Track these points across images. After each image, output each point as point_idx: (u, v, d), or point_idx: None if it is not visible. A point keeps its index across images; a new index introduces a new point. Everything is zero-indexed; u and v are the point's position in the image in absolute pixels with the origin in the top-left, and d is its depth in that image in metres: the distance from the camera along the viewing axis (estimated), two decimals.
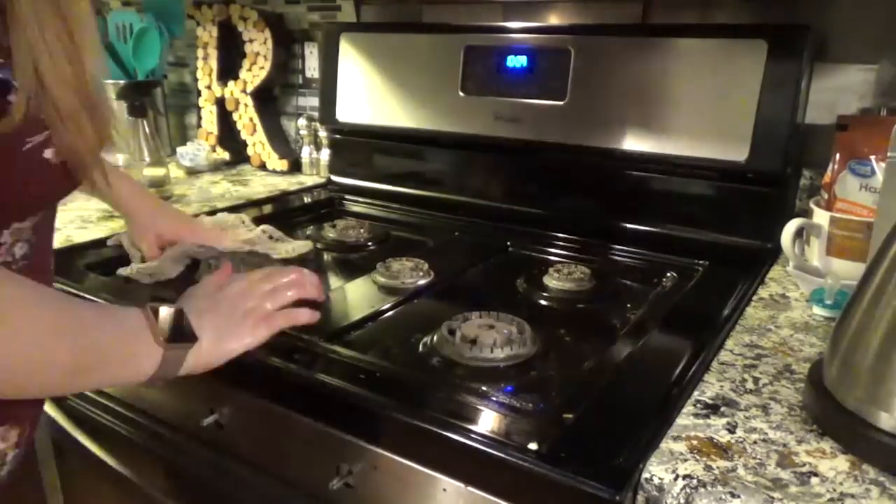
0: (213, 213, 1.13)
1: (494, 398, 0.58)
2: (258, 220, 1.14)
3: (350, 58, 1.22)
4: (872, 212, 0.75)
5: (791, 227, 0.77)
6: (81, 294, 0.78)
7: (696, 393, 0.56)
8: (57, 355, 0.45)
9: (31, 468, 0.96)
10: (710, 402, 0.55)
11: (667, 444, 0.49)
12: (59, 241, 0.93)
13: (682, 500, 0.45)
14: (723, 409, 0.54)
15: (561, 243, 1.01)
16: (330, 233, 1.04)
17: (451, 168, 1.17)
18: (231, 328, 0.58)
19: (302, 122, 1.38)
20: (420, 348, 0.68)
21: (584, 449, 0.50)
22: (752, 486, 0.45)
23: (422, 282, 0.84)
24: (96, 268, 0.86)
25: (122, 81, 1.40)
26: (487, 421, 0.53)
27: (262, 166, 1.44)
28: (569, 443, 0.50)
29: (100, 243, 0.94)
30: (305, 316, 0.64)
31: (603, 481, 0.45)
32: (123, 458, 0.77)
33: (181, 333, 0.53)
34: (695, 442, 0.49)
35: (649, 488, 0.46)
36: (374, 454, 0.57)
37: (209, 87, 1.45)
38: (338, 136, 1.31)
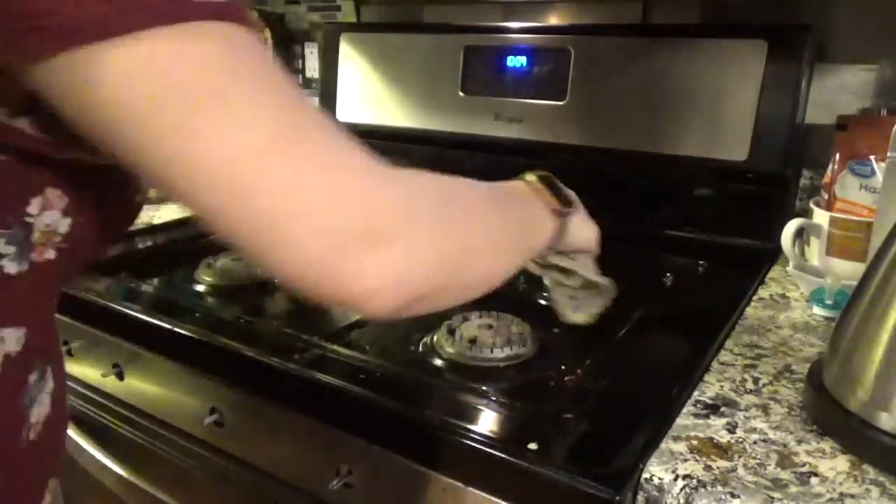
0: None
1: (494, 398, 0.58)
2: None
3: (350, 58, 1.22)
4: (872, 212, 0.75)
5: (791, 227, 0.77)
6: (83, 294, 0.78)
7: (696, 393, 0.56)
8: (491, 235, 0.44)
9: None
10: (710, 402, 0.55)
11: (667, 445, 0.49)
12: None
13: (682, 500, 0.45)
14: (723, 409, 0.54)
15: None
16: None
17: (452, 168, 1.16)
18: (586, 220, 0.63)
19: None
20: (420, 348, 0.68)
21: (584, 449, 0.50)
22: (752, 486, 0.45)
23: None
24: (96, 268, 0.85)
25: None
26: (487, 421, 0.53)
27: None
28: (569, 443, 0.50)
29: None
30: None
31: (603, 481, 0.45)
32: (123, 458, 0.77)
33: (567, 201, 0.56)
34: (695, 442, 0.49)
35: (649, 488, 0.46)
36: (374, 454, 0.57)
37: None
38: None
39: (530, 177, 0.53)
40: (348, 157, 0.33)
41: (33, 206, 0.34)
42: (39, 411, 0.40)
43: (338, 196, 0.31)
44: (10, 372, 0.36)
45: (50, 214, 0.35)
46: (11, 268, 0.35)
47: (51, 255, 0.36)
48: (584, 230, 0.61)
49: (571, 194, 0.59)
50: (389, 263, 0.32)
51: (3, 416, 0.37)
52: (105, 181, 0.36)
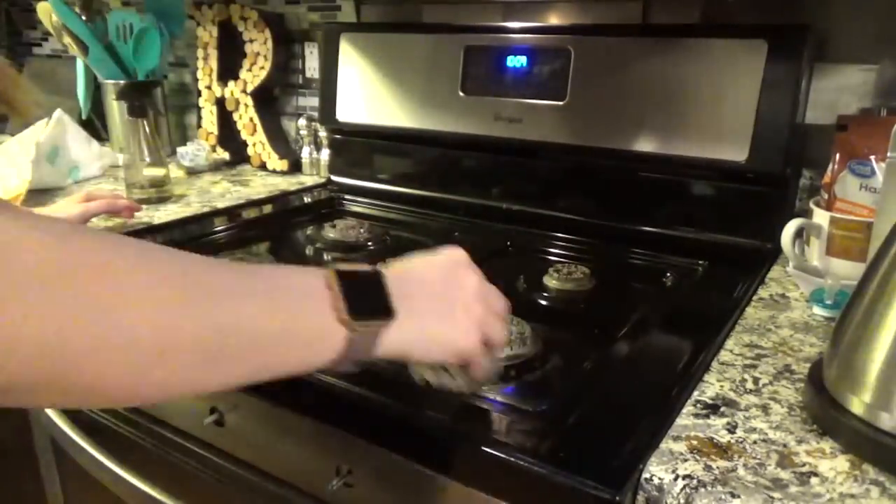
0: (213, 213, 1.13)
1: (494, 398, 0.58)
2: (258, 221, 1.14)
3: (350, 58, 1.22)
4: (872, 212, 0.75)
5: (791, 227, 0.77)
6: None
7: (696, 393, 0.57)
8: (190, 333, 0.33)
9: (31, 468, 0.96)
10: (710, 402, 0.55)
11: (667, 444, 0.49)
12: None
13: (682, 500, 0.45)
14: (723, 409, 0.54)
15: (561, 243, 1.01)
16: (330, 233, 1.04)
17: (451, 168, 1.17)
18: (443, 317, 0.45)
19: (302, 122, 1.38)
20: None
21: (584, 449, 0.50)
22: (752, 486, 0.45)
23: None
24: None
25: (122, 81, 1.40)
26: (487, 421, 0.53)
27: (263, 166, 1.44)
28: (569, 443, 0.50)
29: None
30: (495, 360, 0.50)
31: (603, 481, 0.45)
32: (123, 458, 0.77)
33: (373, 306, 0.41)
34: (695, 442, 0.49)
35: (649, 488, 0.46)
36: (374, 454, 0.57)
37: (209, 87, 1.45)
38: (338, 136, 1.31)
39: (330, 273, 0.40)
40: None
41: None
42: None
43: None
44: None
45: None
46: None
47: None
48: (425, 347, 0.44)
49: (390, 305, 0.42)
50: None
51: None
52: None
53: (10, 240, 0.29)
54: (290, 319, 0.38)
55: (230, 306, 0.35)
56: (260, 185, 1.32)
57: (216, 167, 1.46)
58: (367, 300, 0.41)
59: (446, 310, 0.46)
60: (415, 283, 0.45)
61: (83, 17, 1.39)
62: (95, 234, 0.34)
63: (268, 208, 1.20)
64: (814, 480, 0.46)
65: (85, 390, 0.31)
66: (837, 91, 0.92)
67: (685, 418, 0.53)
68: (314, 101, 1.40)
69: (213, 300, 0.35)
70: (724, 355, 0.63)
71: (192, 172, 1.41)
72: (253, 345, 0.36)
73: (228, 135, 1.47)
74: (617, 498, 0.45)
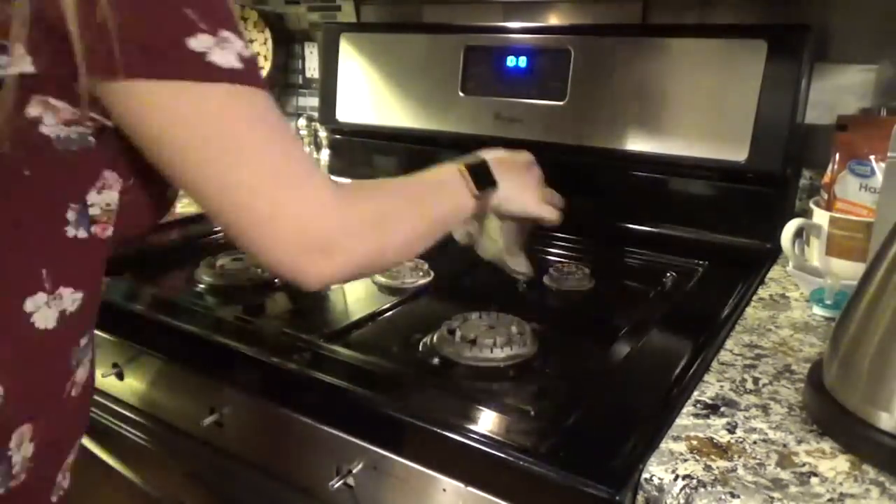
0: None
1: (494, 398, 0.58)
2: None
3: (350, 58, 1.22)
4: (872, 212, 0.75)
5: (791, 227, 0.77)
6: None
7: (695, 393, 0.57)
8: (419, 230, 0.56)
9: None
10: (709, 402, 0.55)
11: (666, 445, 0.49)
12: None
13: (681, 500, 0.45)
14: (723, 409, 0.54)
15: (561, 243, 1.01)
16: None
17: None
18: (520, 189, 0.71)
19: (302, 122, 1.37)
20: (420, 348, 0.68)
21: (584, 449, 0.50)
22: (751, 486, 0.45)
23: (422, 282, 0.84)
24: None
25: None
26: (487, 421, 0.53)
27: None
28: (569, 443, 0.50)
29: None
30: (556, 217, 0.75)
31: (603, 481, 0.45)
32: (124, 458, 0.77)
33: (486, 180, 0.65)
34: (694, 442, 0.49)
35: (649, 488, 0.46)
36: (374, 454, 0.57)
37: None
38: (338, 136, 1.31)
39: (461, 165, 0.64)
40: (320, 188, 0.46)
41: (96, 186, 0.44)
42: (82, 373, 0.48)
43: (310, 216, 0.45)
44: (65, 330, 0.44)
45: (108, 194, 0.44)
46: (79, 233, 0.44)
47: (108, 231, 0.46)
48: (515, 201, 0.70)
49: (504, 174, 0.68)
50: (337, 265, 0.47)
51: (58, 366, 0.45)
52: (150, 168, 0.44)
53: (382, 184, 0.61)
54: (453, 198, 0.62)
55: (431, 205, 0.60)
56: None
57: None
58: (483, 179, 0.65)
59: (525, 185, 0.72)
60: (507, 168, 0.69)
61: None
62: (398, 185, 0.59)
63: None
64: (814, 480, 0.46)
65: (396, 259, 0.57)
66: (837, 91, 0.92)
67: (685, 418, 0.53)
68: (314, 101, 1.40)
69: (426, 205, 0.59)
70: (724, 355, 0.63)
71: None
72: (443, 217, 0.61)
73: None
74: (617, 498, 0.45)
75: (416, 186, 0.61)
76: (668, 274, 0.89)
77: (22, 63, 0.38)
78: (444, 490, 0.53)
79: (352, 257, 0.48)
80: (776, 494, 0.44)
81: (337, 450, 0.59)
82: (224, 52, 0.41)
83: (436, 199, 0.61)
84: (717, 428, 0.51)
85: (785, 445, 0.49)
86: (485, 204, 0.66)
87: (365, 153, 1.27)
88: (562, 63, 1.01)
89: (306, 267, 0.46)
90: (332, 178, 1.18)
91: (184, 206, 1.15)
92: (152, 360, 0.74)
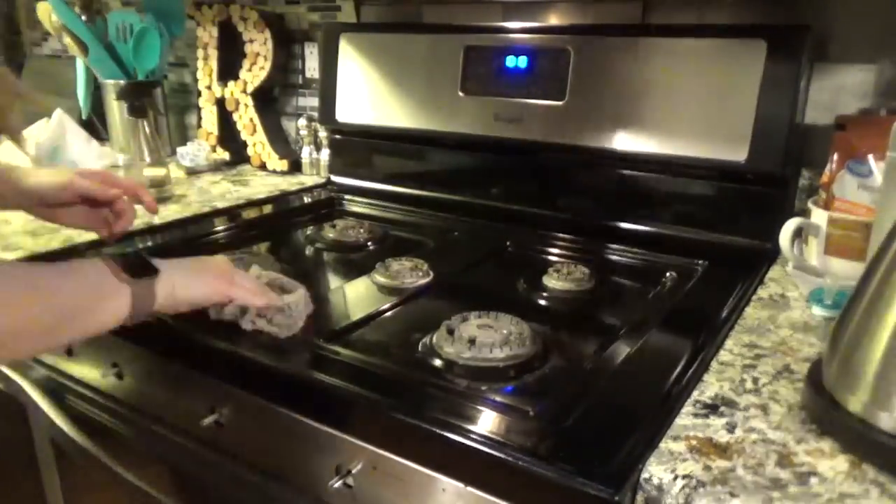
0: (213, 213, 1.13)
1: (494, 398, 0.58)
2: (258, 221, 1.15)
3: (350, 58, 1.22)
4: (870, 211, 0.75)
5: (789, 226, 0.77)
6: None
7: (695, 393, 0.57)
8: (35, 320, 0.49)
9: (31, 468, 0.96)
10: (709, 402, 0.55)
11: (666, 444, 0.49)
12: (59, 242, 0.94)
13: (681, 500, 0.45)
14: (722, 409, 0.54)
15: (561, 243, 1.01)
16: (330, 233, 1.04)
17: (451, 168, 1.17)
18: (195, 272, 0.63)
19: (302, 122, 1.38)
20: (420, 348, 0.68)
21: (584, 449, 0.50)
22: (751, 486, 0.45)
23: (421, 282, 0.84)
24: None
25: (122, 81, 1.40)
26: (487, 421, 0.53)
27: (263, 166, 1.44)
28: (569, 443, 0.50)
29: (99, 244, 0.94)
30: (261, 300, 0.66)
31: (602, 481, 0.45)
32: (123, 458, 0.77)
33: (142, 268, 0.58)
34: (694, 442, 0.50)
35: (649, 488, 0.46)
36: (374, 454, 0.57)
37: (209, 87, 1.45)
38: (338, 136, 1.31)
39: (104, 258, 0.57)
40: None
41: None
42: None
43: None
44: None
45: None
46: None
47: None
48: (193, 285, 0.62)
49: (152, 264, 0.60)
50: None
51: None
52: None
53: None
54: (95, 287, 0.54)
55: (56, 289, 0.52)
56: (260, 186, 1.32)
57: (216, 167, 1.46)
58: (137, 266, 0.57)
59: (203, 268, 0.64)
60: (175, 261, 0.62)
61: (83, 17, 1.39)
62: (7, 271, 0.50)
63: (268, 208, 1.20)
64: (813, 480, 0.46)
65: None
66: (837, 91, 0.92)
67: (685, 418, 0.53)
68: (314, 101, 1.40)
69: (49, 291, 0.51)
70: (723, 355, 0.63)
71: (192, 172, 1.41)
72: (77, 307, 0.53)
73: (228, 135, 1.48)
74: (617, 498, 0.45)
75: (36, 269, 0.53)
76: (668, 274, 0.89)
77: None
78: (444, 490, 0.53)
79: None
80: (776, 494, 0.44)
81: (337, 450, 0.59)
82: None
83: (65, 283, 0.53)
84: (716, 428, 0.51)
85: (784, 445, 0.49)
86: (149, 294, 0.57)
87: (365, 153, 1.27)
88: (562, 63, 1.01)
89: None
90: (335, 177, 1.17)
91: (182, 207, 1.15)
92: (152, 360, 0.74)
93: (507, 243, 1.02)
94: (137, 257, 0.59)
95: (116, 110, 1.47)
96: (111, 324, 0.56)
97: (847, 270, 0.74)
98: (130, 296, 0.56)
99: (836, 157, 0.80)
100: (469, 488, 0.52)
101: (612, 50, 0.97)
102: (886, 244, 0.50)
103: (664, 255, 0.93)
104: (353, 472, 0.58)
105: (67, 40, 1.40)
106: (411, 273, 0.85)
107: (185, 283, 0.61)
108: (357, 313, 0.76)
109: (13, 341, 0.48)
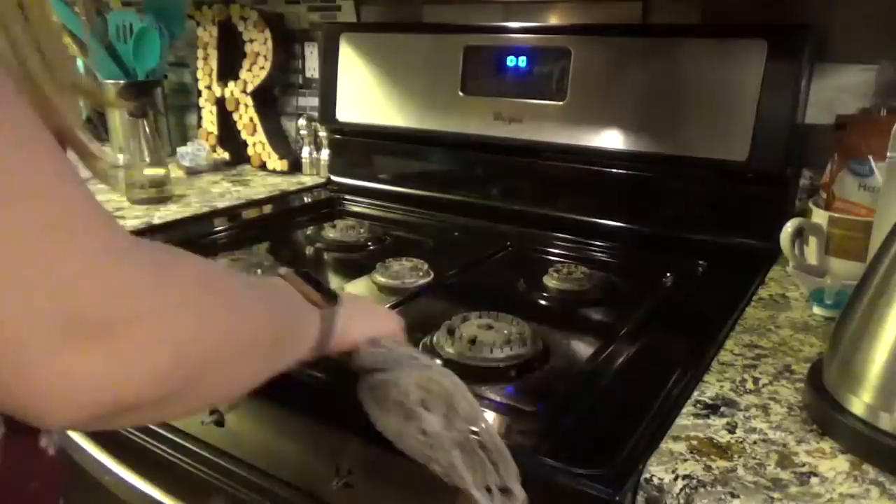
0: (213, 213, 1.13)
1: (494, 398, 0.58)
2: (258, 221, 1.14)
3: (350, 58, 1.22)
4: (871, 211, 0.75)
5: (790, 226, 0.77)
6: None
7: (695, 393, 0.57)
8: (265, 330, 0.40)
9: None
10: (709, 402, 0.55)
11: (666, 445, 0.49)
12: None
13: (681, 501, 0.45)
14: (723, 409, 0.54)
15: (561, 243, 1.01)
16: (330, 233, 1.04)
17: (451, 168, 1.17)
18: (368, 309, 0.56)
19: (302, 122, 1.38)
20: (420, 348, 0.68)
21: (584, 449, 0.50)
22: (751, 486, 0.45)
23: (422, 282, 0.84)
24: None
25: (122, 81, 1.40)
26: (487, 421, 0.53)
27: (263, 166, 1.44)
28: (569, 443, 0.50)
29: None
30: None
31: (603, 481, 0.45)
32: (123, 459, 0.77)
33: (326, 291, 0.48)
34: (695, 442, 0.49)
35: (649, 488, 0.46)
36: (374, 454, 0.57)
37: (209, 87, 1.45)
38: (338, 136, 1.31)
39: (283, 270, 0.48)
40: (80, 224, 0.28)
41: None
42: None
43: (47, 275, 0.26)
44: None
45: None
46: None
47: None
48: (361, 324, 0.51)
49: (335, 291, 0.51)
50: (102, 361, 0.27)
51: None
52: None
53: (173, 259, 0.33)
54: (295, 305, 0.46)
55: (273, 307, 0.43)
56: (260, 185, 1.32)
57: (216, 167, 1.46)
58: (320, 287, 0.48)
59: (370, 308, 0.59)
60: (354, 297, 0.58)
61: (83, 17, 1.39)
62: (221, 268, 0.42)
63: (268, 208, 1.20)
64: (814, 480, 0.46)
65: (211, 394, 0.37)
66: (837, 91, 0.92)
67: (685, 418, 0.53)
68: (314, 101, 1.40)
69: (270, 303, 0.43)
70: (724, 355, 0.63)
71: (192, 172, 1.41)
72: (282, 334, 0.44)
73: (228, 135, 1.47)
74: (617, 498, 0.45)
75: (242, 276, 0.45)
76: (668, 274, 0.89)
77: None
78: (444, 489, 0.53)
79: (149, 344, 0.28)
80: (776, 494, 0.44)
81: (337, 450, 0.59)
82: None
83: (281, 304, 0.44)
84: (717, 428, 0.51)
85: (785, 445, 0.49)
86: (331, 324, 0.48)
87: (365, 153, 1.27)
88: (562, 63, 1.01)
89: (31, 361, 0.25)
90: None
91: (182, 207, 1.15)
92: None
93: (507, 243, 1.02)
94: (312, 279, 0.48)
95: (116, 110, 1.46)
96: (301, 353, 0.46)
97: (847, 270, 0.74)
98: (319, 321, 0.46)
99: (836, 157, 0.80)
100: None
101: (613, 50, 0.97)
102: (887, 244, 0.50)
103: (664, 255, 0.93)
104: (354, 472, 0.58)
105: (67, 40, 1.40)
106: (411, 273, 0.85)
107: (356, 324, 0.51)
108: None
109: (221, 360, 0.34)
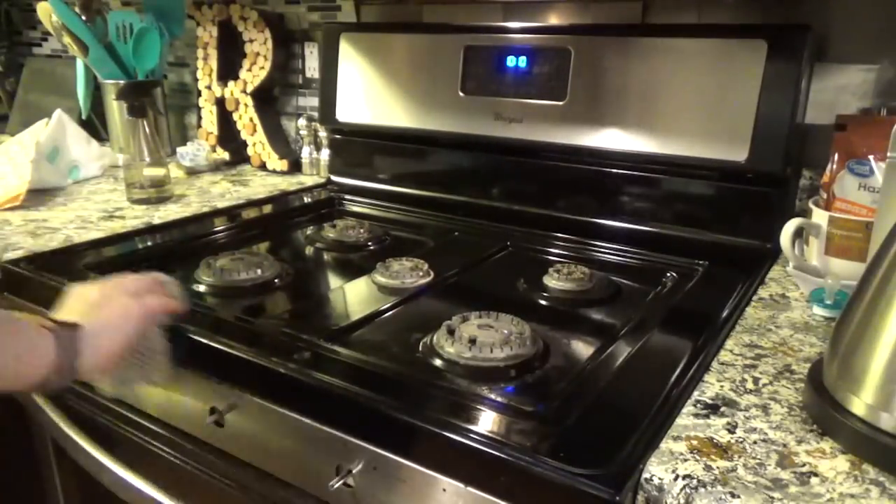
0: (213, 213, 1.13)
1: (494, 398, 0.58)
2: (258, 221, 1.14)
3: (350, 58, 1.22)
4: (871, 211, 0.75)
5: (790, 227, 0.77)
6: None
7: (696, 393, 0.57)
8: None
9: (31, 468, 0.96)
10: (710, 402, 0.55)
11: (667, 444, 0.49)
12: (58, 241, 0.94)
13: (681, 501, 0.45)
14: (723, 409, 0.54)
15: (561, 243, 1.01)
16: (330, 233, 1.04)
17: (451, 168, 1.17)
18: (113, 325, 0.58)
19: (302, 122, 1.38)
20: (420, 348, 0.68)
21: (584, 449, 0.50)
22: (752, 486, 0.45)
23: (422, 282, 0.84)
24: (96, 268, 0.86)
25: (122, 81, 1.40)
26: (487, 421, 0.53)
27: (262, 166, 1.44)
28: (569, 443, 0.50)
29: (99, 243, 0.94)
30: (173, 304, 0.64)
31: (603, 481, 0.45)
32: (123, 458, 0.77)
33: (58, 320, 0.53)
34: (695, 442, 0.49)
35: (649, 488, 0.46)
36: (374, 454, 0.57)
37: (209, 87, 1.45)
38: (338, 136, 1.31)
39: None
40: None
41: None
42: None
43: None
44: None
45: None
46: None
47: None
48: (115, 326, 0.57)
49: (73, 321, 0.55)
50: None
51: None
52: None
53: None
54: (22, 332, 0.50)
55: None
56: (260, 185, 1.32)
57: (216, 167, 1.46)
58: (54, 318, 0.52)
59: (109, 310, 0.58)
60: (77, 301, 0.57)
61: (83, 17, 1.39)
62: None
63: (268, 208, 1.20)
64: (814, 480, 0.46)
65: None
66: (837, 91, 0.92)
67: (685, 418, 0.53)
68: (314, 101, 1.40)
69: None
70: (724, 355, 0.63)
71: (192, 172, 1.41)
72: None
73: (228, 135, 1.47)
74: (617, 498, 0.45)
75: None
76: (668, 274, 0.89)
77: None
78: (444, 490, 0.53)
79: None
80: (776, 494, 0.44)
81: (337, 450, 0.59)
82: None
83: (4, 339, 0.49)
84: (717, 428, 0.51)
85: (785, 445, 0.49)
86: (71, 350, 0.53)
87: (365, 153, 1.27)
88: (562, 63, 1.01)
89: None
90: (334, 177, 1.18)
91: (182, 207, 1.15)
92: None
93: (507, 243, 1.02)
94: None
95: (116, 110, 1.47)
96: (30, 377, 0.51)
97: (848, 270, 0.74)
98: (54, 345, 0.51)
99: (836, 157, 0.80)
100: (469, 488, 0.52)
101: (613, 50, 0.97)
102: (887, 244, 0.50)
103: (664, 255, 0.93)
104: (353, 472, 0.58)
105: (67, 40, 1.40)
106: (411, 273, 0.85)
107: (105, 332, 0.56)
108: (357, 313, 0.76)
109: None
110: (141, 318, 0.60)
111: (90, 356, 0.54)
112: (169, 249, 0.99)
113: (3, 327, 0.49)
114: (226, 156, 1.48)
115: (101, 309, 0.58)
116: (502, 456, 0.49)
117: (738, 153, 0.89)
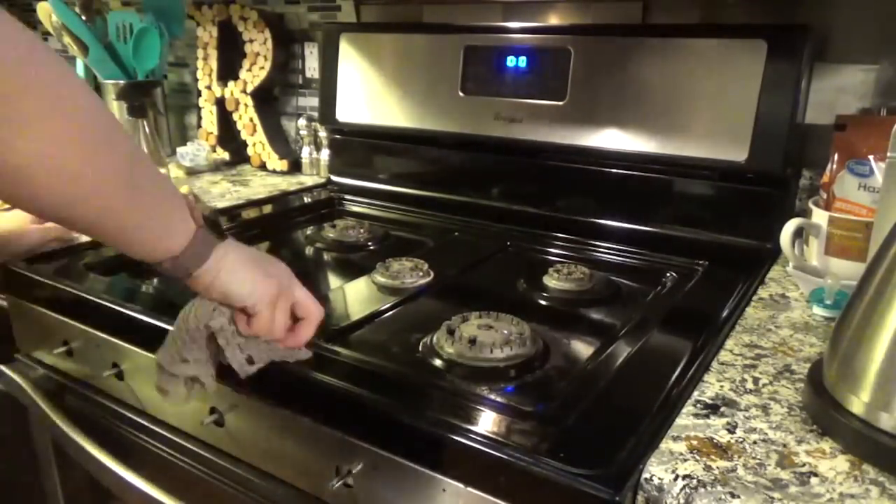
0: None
1: (494, 398, 0.58)
2: (258, 221, 1.14)
3: (350, 58, 1.22)
4: (871, 211, 0.75)
5: (790, 227, 0.77)
6: (82, 294, 0.78)
7: (695, 393, 0.57)
8: (117, 153, 0.43)
9: (31, 468, 0.96)
10: (709, 402, 0.55)
11: (667, 445, 0.49)
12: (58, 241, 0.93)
13: (681, 501, 0.45)
14: (723, 409, 0.54)
15: (561, 243, 1.01)
16: (330, 233, 1.04)
17: (451, 168, 1.17)
18: (255, 270, 0.54)
19: (302, 122, 1.38)
20: (420, 348, 0.68)
21: (584, 449, 0.50)
22: (751, 486, 0.45)
23: (422, 282, 0.84)
24: (96, 268, 0.86)
25: (122, 81, 1.40)
26: (487, 421, 0.53)
27: (262, 166, 1.44)
28: (569, 443, 0.50)
29: (99, 243, 0.94)
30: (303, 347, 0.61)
31: (603, 481, 0.45)
32: (123, 458, 0.77)
33: (213, 225, 0.52)
34: (694, 442, 0.49)
35: (649, 488, 0.46)
36: (374, 454, 0.57)
37: (209, 87, 1.45)
38: (338, 136, 1.31)
39: (185, 188, 0.53)
40: None
41: None
42: None
43: None
44: None
45: None
46: None
47: None
48: (240, 277, 0.53)
49: (225, 233, 0.53)
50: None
51: None
52: None
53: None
54: (168, 199, 0.49)
55: (146, 169, 0.47)
56: (260, 185, 1.32)
57: (216, 167, 1.46)
58: (207, 220, 0.52)
59: (260, 266, 0.55)
60: (244, 248, 0.55)
61: (83, 17, 1.39)
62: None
63: (268, 208, 1.20)
64: (814, 480, 0.46)
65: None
66: (837, 91, 0.92)
67: (685, 418, 0.53)
68: (314, 101, 1.40)
69: (137, 155, 0.46)
70: (724, 355, 0.63)
71: (192, 172, 1.41)
72: (151, 201, 0.47)
73: (228, 135, 1.48)
74: (617, 498, 0.45)
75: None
76: (668, 274, 0.89)
77: None
78: (444, 490, 0.53)
79: None
80: (776, 494, 0.44)
81: (337, 450, 0.59)
82: None
83: (153, 173, 0.47)
84: (717, 428, 0.51)
85: (785, 445, 0.49)
86: (205, 251, 0.50)
87: (365, 153, 1.27)
88: (562, 63, 1.01)
89: None
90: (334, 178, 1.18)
91: None
92: (152, 359, 0.74)
93: (507, 243, 1.02)
94: (216, 225, 0.52)
95: (116, 110, 1.47)
96: (158, 248, 0.48)
97: (847, 270, 0.74)
98: (191, 237, 0.49)
99: (836, 157, 0.80)
100: (469, 488, 0.52)
101: (613, 50, 0.97)
102: (887, 244, 0.50)
103: (664, 255, 0.93)
104: (353, 472, 0.58)
105: (67, 40, 1.40)
106: (411, 273, 0.85)
107: (237, 268, 0.52)
108: (357, 313, 0.76)
109: (93, 149, 0.41)
110: (275, 297, 0.55)
111: (209, 271, 0.51)
112: None
113: (170, 200, 0.48)
114: (226, 156, 1.48)
115: (260, 260, 0.55)
116: (502, 456, 0.49)
117: (737, 153, 0.89)
